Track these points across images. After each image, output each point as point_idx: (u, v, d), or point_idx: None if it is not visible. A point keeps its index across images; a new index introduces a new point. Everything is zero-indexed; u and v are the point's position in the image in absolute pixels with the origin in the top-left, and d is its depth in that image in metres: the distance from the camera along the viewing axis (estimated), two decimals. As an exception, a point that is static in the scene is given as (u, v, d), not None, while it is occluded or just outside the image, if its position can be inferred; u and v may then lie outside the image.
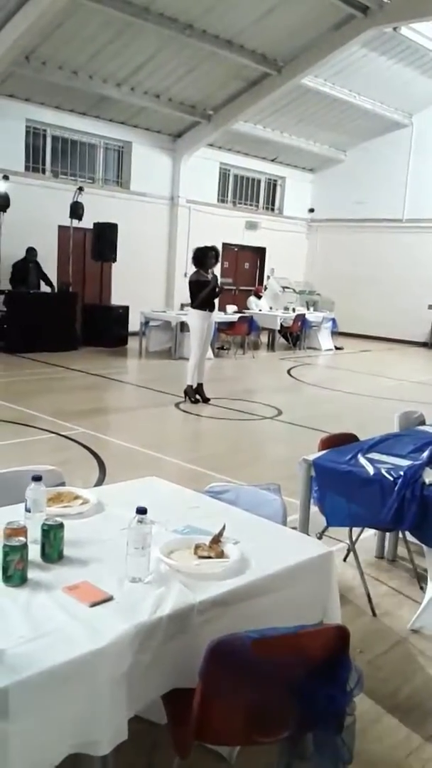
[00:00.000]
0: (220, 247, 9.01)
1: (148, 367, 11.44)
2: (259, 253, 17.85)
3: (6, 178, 11.69)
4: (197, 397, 8.30)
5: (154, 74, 12.59)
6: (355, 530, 3.60)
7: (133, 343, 12.69)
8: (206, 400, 8.32)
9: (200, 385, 8.34)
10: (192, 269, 8.26)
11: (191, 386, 8.29)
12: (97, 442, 6.33)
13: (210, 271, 7.99)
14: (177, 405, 8.21)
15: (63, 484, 2.80)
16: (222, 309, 12.86)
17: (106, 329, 12.67)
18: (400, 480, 2.99)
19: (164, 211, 15.22)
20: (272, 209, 18.30)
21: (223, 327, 12.71)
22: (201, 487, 2.89)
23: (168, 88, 13.16)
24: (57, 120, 13.12)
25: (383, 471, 3.11)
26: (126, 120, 14.03)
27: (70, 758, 1.59)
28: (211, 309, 8.13)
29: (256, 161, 17.06)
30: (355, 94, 14.85)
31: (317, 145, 17.13)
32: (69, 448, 6.14)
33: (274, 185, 18.24)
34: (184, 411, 7.99)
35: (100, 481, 5.23)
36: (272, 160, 17.40)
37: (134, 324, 12.74)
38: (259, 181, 17.83)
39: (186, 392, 8.33)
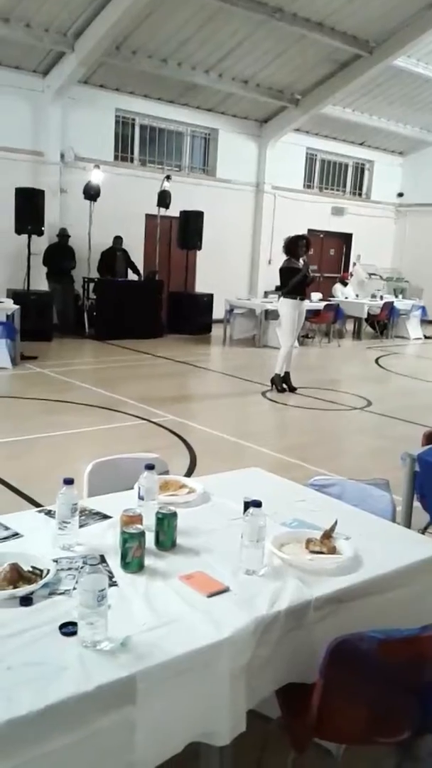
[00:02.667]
0: (305, 234, 8.92)
1: (232, 355, 11.46)
2: (345, 239, 17.52)
3: (97, 167, 11.92)
4: (284, 385, 8.25)
5: (243, 60, 12.50)
6: (459, 528, 3.48)
7: (217, 331, 12.74)
8: (293, 390, 8.26)
9: (287, 374, 8.28)
10: (278, 256, 8.19)
11: (279, 375, 8.25)
12: (185, 429, 6.39)
13: (301, 259, 7.91)
14: (263, 394, 8.19)
15: (167, 472, 2.84)
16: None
17: (191, 317, 12.77)
18: None
19: (249, 198, 15.15)
20: (359, 194, 17.91)
21: (309, 315, 12.51)
22: (292, 478, 2.86)
23: (256, 73, 13.04)
24: (145, 109, 13.26)
25: None
26: (213, 107, 14.02)
27: (191, 747, 1.61)
28: (302, 297, 8.05)
29: (343, 145, 16.71)
30: (450, 73, 14.27)
31: (407, 128, 16.60)
32: (158, 434, 6.23)
33: (362, 169, 17.82)
34: (271, 400, 7.96)
35: (190, 469, 5.28)
36: (360, 144, 17.00)
37: (218, 311, 12.78)
38: (346, 166, 17.46)
39: (273, 381, 8.30)
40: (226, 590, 1.82)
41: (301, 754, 1.73)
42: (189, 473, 5.02)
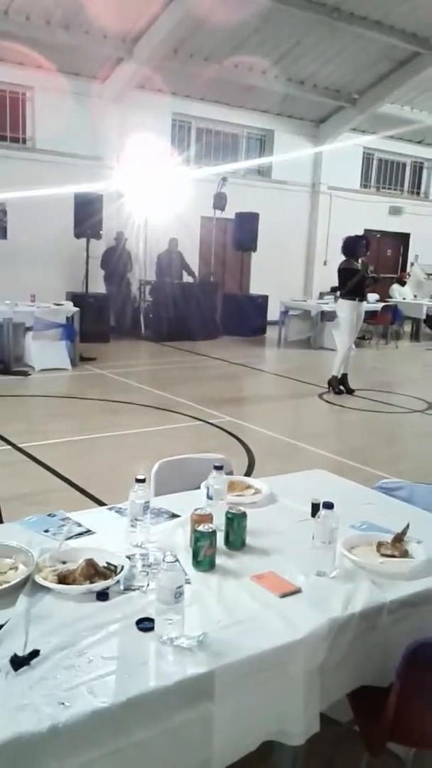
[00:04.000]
0: (364, 235, 8.84)
1: (287, 357, 11.41)
2: (403, 239, 17.23)
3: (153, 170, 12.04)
4: (342, 388, 8.17)
5: (299, 60, 12.45)
6: None
7: (271, 333, 12.71)
8: (351, 392, 8.17)
9: (345, 376, 8.21)
10: (334, 257, 8.12)
11: (336, 377, 8.17)
12: (242, 430, 6.40)
13: (360, 260, 7.84)
14: (320, 396, 8.13)
15: (231, 473, 2.85)
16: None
17: (246, 318, 12.77)
18: None
19: (305, 199, 15.08)
20: (418, 193, 17.60)
21: (366, 316, 12.36)
22: (354, 481, 2.83)
23: (313, 73, 12.97)
24: (201, 112, 13.33)
25: None
26: (269, 108, 14.01)
27: (264, 746, 1.61)
28: (362, 298, 7.97)
29: (401, 144, 16.44)
30: None
31: (468, 125, 16.21)
32: (216, 435, 6.25)
33: (420, 168, 17.51)
34: (328, 402, 7.90)
35: (249, 469, 5.29)
36: (418, 142, 16.70)
37: (273, 313, 12.75)
38: (404, 165, 17.18)
39: (330, 383, 8.23)
40: (298, 591, 1.82)
41: (377, 757, 1.71)
42: (248, 474, 5.03)
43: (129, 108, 12.13)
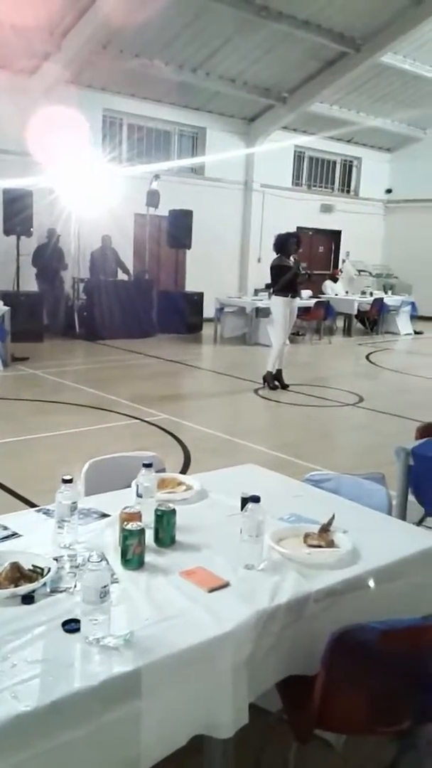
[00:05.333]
0: (296, 232, 8.98)
1: (223, 354, 11.47)
2: (335, 236, 17.57)
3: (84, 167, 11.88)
4: (276, 383, 8.27)
5: (230, 58, 12.51)
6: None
7: (207, 330, 12.75)
8: (285, 387, 8.29)
9: (279, 371, 8.31)
10: (268, 254, 8.22)
11: (271, 372, 8.27)
12: (178, 427, 6.41)
13: (292, 257, 7.95)
14: (256, 391, 8.21)
15: (164, 470, 2.85)
16: (296, 294, 12.72)
17: (181, 315, 12.77)
18: None
19: (238, 196, 15.17)
20: (348, 191, 17.97)
21: (299, 312, 12.55)
22: (287, 474, 2.88)
23: (243, 71, 13.06)
24: (132, 108, 13.23)
25: None
26: (200, 106, 14.03)
27: (194, 740, 1.62)
28: (294, 295, 8.08)
29: (331, 142, 16.74)
30: (437, 69, 14.34)
31: (395, 124, 16.66)
32: (151, 433, 6.24)
33: (350, 166, 17.88)
34: (264, 397, 7.98)
35: (184, 467, 5.30)
36: (348, 141, 17.05)
37: (208, 310, 12.79)
38: (334, 163, 17.51)
39: (265, 378, 8.32)
40: (226, 585, 1.84)
41: (304, 745, 1.75)
42: (183, 471, 5.03)
43: (58, 103, 11.90)
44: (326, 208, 16.88)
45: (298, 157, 16.53)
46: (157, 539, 2.07)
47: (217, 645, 1.60)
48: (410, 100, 15.49)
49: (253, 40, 12.05)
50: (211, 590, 1.80)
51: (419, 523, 3.28)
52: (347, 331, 14.04)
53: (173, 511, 2.09)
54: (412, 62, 13.87)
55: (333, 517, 2.17)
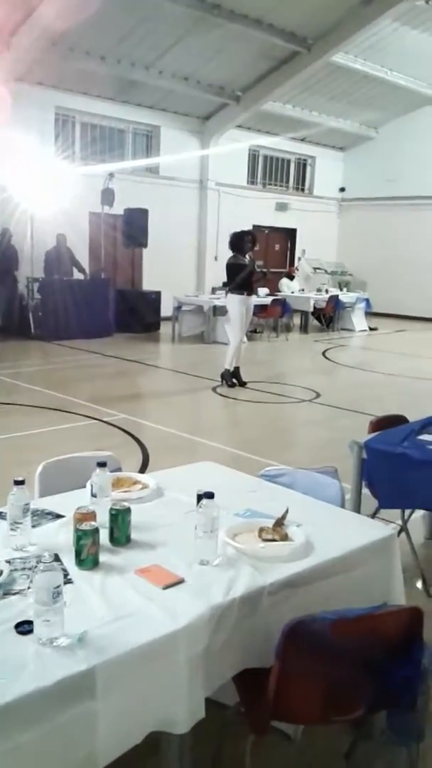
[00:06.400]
0: (250, 230, 9.03)
1: (182, 352, 11.47)
2: (290, 234, 17.71)
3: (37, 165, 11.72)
4: (234, 380, 8.31)
5: (182, 56, 12.49)
6: (406, 511, 3.59)
7: (165, 328, 12.73)
8: (243, 384, 8.33)
9: (237, 369, 8.35)
10: (224, 253, 8.25)
11: (228, 370, 8.30)
12: (137, 427, 6.39)
13: (248, 255, 7.99)
14: (214, 389, 8.23)
15: (120, 469, 2.84)
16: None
17: (139, 315, 12.72)
18: (455, 461, 2.97)
19: (194, 195, 15.17)
20: (302, 189, 18.13)
21: (256, 310, 12.62)
22: (245, 471, 2.91)
23: (196, 70, 13.06)
24: (85, 106, 13.12)
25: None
26: (154, 104, 13.98)
27: (151, 736, 1.63)
28: (249, 293, 8.13)
29: (285, 141, 16.86)
30: (387, 69, 14.56)
31: (348, 123, 16.89)
32: (110, 433, 6.20)
33: (304, 165, 18.04)
34: (222, 395, 8.01)
35: (143, 466, 5.29)
36: (302, 140, 17.19)
37: (166, 309, 12.77)
38: (288, 162, 17.65)
39: (223, 376, 8.35)
40: (181, 581, 1.85)
41: (260, 737, 1.77)
42: (142, 470, 5.02)
43: (9, 100, 11.73)
44: (281, 207, 17.01)
45: (253, 156, 16.61)
46: (113, 538, 2.07)
47: (171, 641, 1.61)
48: (362, 99, 15.71)
49: (206, 38, 12.06)
50: (166, 587, 1.81)
51: (373, 515, 3.34)
52: (304, 328, 14.17)
53: (128, 510, 2.09)
54: (363, 62, 14.06)
55: (287, 511, 2.20)
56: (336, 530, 2.26)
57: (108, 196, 12.22)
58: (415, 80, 15.31)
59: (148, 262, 13.97)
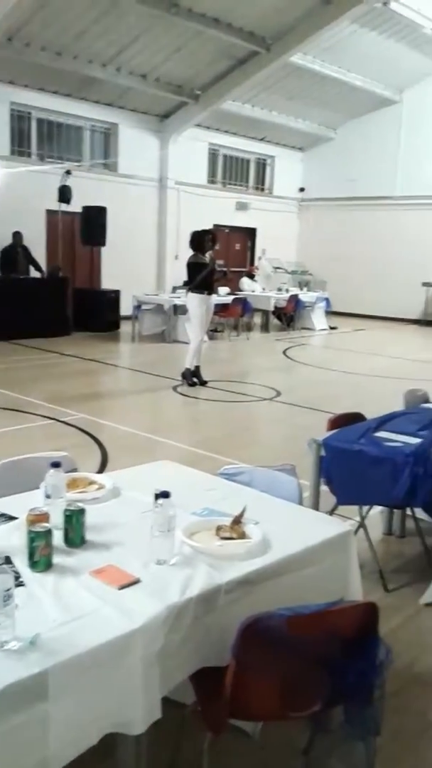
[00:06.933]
0: (211, 229, 9.03)
1: (142, 351, 11.41)
2: (250, 233, 17.77)
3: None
4: (195, 379, 8.29)
5: (140, 54, 12.42)
6: (364, 507, 3.62)
7: (125, 328, 12.64)
8: (204, 383, 8.32)
9: (197, 368, 8.34)
10: (185, 252, 8.23)
11: (189, 369, 8.28)
12: (96, 427, 6.32)
13: (208, 254, 7.99)
14: (174, 388, 8.21)
15: (75, 470, 2.81)
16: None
17: (98, 314, 12.61)
18: (411, 458, 3.01)
19: (153, 194, 15.10)
20: (262, 189, 18.20)
21: (217, 309, 12.63)
22: (205, 470, 2.90)
23: (154, 67, 13.00)
24: (42, 102, 12.94)
25: (394, 449, 3.13)
26: (112, 101, 13.86)
27: (107, 738, 1.61)
28: (210, 292, 8.13)
29: (245, 141, 16.92)
30: (345, 70, 14.72)
31: (307, 123, 17.01)
32: (68, 433, 6.12)
33: (264, 165, 18.12)
34: (182, 394, 7.99)
35: (102, 466, 5.24)
36: (261, 140, 17.26)
37: (126, 308, 12.68)
38: (248, 161, 17.70)
39: (184, 375, 8.33)
40: (137, 581, 1.83)
41: (218, 735, 1.76)
42: (101, 470, 4.97)
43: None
44: (241, 206, 17.05)
45: (213, 155, 16.61)
46: (67, 540, 2.03)
47: (126, 642, 1.59)
48: (320, 100, 15.85)
49: (164, 36, 12.01)
50: (122, 587, 1.79)
51: (332, 512, 3.36)
52: (265, 327, 14.24)
53: (82, 511, 2.06)
54: (322, 63, 14.19)
55: (244, 509, 2.19)
56: (293, 527, 2.26)
57: (65, 193, 12.08)
58: (372, 81, 15.52)
59: (107, 260, 13.85)
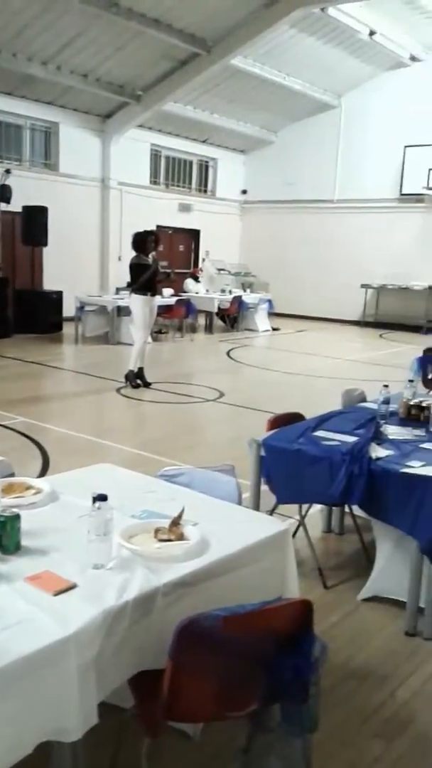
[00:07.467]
0: (154, 230, 9.01)
1: (85, 353, 11.28)
2: (194, 235, 17.79)
3: None
4: (138, 381, 8.25)
5: (81, 53, 12.29)
6: (304, 506, 3.68)
7: (68, 329, 12.48)
8: (147, 385, 8.29)
9: (141, 370, 8.30)
10: (128, 253, 8.19)
11: (133, 371, 8.24)
12: (38, 430, 6.23)
13: (151, 255, 7.96)
14: (118, 390, 8.15)
15: (12, 474, 2.76)
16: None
17: (40, 315, 12.41)
18: (347, 456, 3.07)
19: (95, 194, 14.95)
20: (205, 191, 18.25)
21: (161, 310, 12.61)
22: (149, 472, 2.90)
23: (96, 67, 12.88)
24: (-20, 99, 12.67)
25: (331, 448, 3.19)
26: (53, 100, 13.67)
27: (43, 746, 1.59)
28: (153, 293, 8.10)
29: (187, 142, 16.93)
30: (285, 75, 14.90)
31: (248, 126, 17.14)
32: (8, 438, 6.01)
33: (206, 167, 18.17)
34: (126, 396, 7.94)
35: (43, 471, 5.16)
36: (203, 142, 17.31)
37: (69, 309, 12.52)
38: (191, 163, 17.72)
39: (127, 377, 8.28)
40: (73, 587, 1.81)
41: (155, 739, 1.76)
42: (42, 475, 4.89)
43: None
44: (184, 208, 17.05)
45: (155, 156, 16.55)
46: (1, 546, 2.00)
47: (61, 648, 1.57)
48: (261, 103, 16.00)
49: (105, 36, 11.92)
50: (57, 593, 1.77)
51: (272, 511, 3.40)
52: (209, 329, 14.28)
53: (17, 517, 2.03)
54: (262, 66, 14.32)
55: (183, 510, 2.20)
56: (231, 527, 2.28)
57: (4, 192, 11.85)
58: (311, 86, 15.76)
59: (49, 261, 13.63)
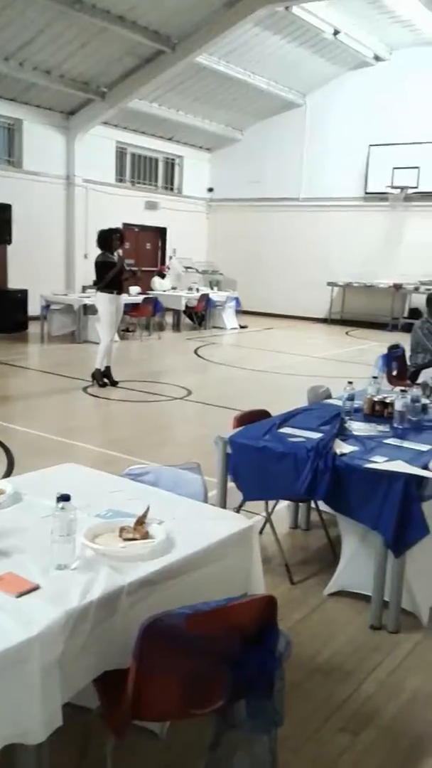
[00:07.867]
0: (119, 227, 8.96)
1: (51, 352, 11.17)
2: (161, 233, 17.73)
3: None
4: (105, 380, 8.21)
5: (45, 49, 12.15)
6: (270, 502, 3.70)
7: (34, 328, 12.34)
8: (114, 383, 8.25)
9: (108, 368, 8.25)
10: (94, 251, 8.14)
11: (99, 370, 8.19)
12: (3, 431, 6.15)
13: (116, 253, 7.92)
14: (85, 389, 8.09)
15: (-25, 475, 2.72)
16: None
17: (5, 314, 12.25)
18: (312, 453, 3.09)
19: (60, 191, 14.80)
20: (171, 189, 18.20)
21: (128, 309, 12.54)
22: (116, 471, 2.88)
23: (59, 63, 12.75)
24: None
25: (296, 445, 3.21)
26: (15, 96, 13.48)
27: (6, 748, 1.57)
28: (119, 291, 8.06)
29: (153, 140, 16.87)
30: (250, 73, 14.92)
31: (214, 124, 17.14)
32: (-27, 439, 5.92)
33: (173, 164, 18.12)
34: (93, 395, 7.89)
35: (8, 472, 5.10)
36: (169, 139, 17.26)
37: (34, 308, 12.38)
38: (156, 161, 17.65)
39: (94, 376, 8.23)
40: (36, 588, 1.80)
41: (120, 738, 1.75)
42: (7, 475, 4.83)
43: None
44: (151, 206, 16.99)
45: (120, 153, 16.45)
46: (-37, 548, 1.97)
47: (23, 650, 1.56)
48: (226, 101, 16.02)
49: (68, 32, 11.80)
50: (20, 595, 1.75)
51: (239, 508, 3.41)
52: (176, 327, 14.26)
53: (-21, 518, 2.00)
54: (227, 64, 14.33)
55: (148, 509, 2.19)
56: (197, 525, 2.28)
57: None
58: (276, 84, 15.82)
59: (13, 259, 13.46)
